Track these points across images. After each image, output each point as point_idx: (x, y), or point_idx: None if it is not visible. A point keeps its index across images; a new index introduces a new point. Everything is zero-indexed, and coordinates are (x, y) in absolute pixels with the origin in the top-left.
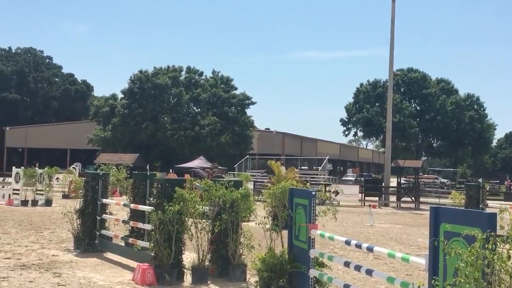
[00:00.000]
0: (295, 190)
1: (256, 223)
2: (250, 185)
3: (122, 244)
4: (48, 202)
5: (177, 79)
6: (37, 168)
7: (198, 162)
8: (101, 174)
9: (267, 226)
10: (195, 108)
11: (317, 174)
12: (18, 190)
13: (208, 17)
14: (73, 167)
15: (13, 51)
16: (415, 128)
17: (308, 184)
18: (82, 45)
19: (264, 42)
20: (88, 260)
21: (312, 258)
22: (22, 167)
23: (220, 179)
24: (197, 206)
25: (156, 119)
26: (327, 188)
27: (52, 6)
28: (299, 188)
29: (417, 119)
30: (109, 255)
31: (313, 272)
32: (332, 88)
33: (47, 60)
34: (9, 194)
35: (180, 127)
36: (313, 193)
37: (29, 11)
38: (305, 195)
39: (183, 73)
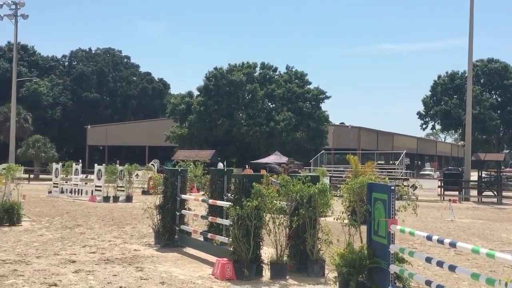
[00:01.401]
0: (374, 185)
1: (334, 218)
2: (326, 180)
3: (201, 239)
4: (129, 198)
5: (252, 75)
6: (117, 165)
7: (274, 158)
8: (179, 170)
9: (345, 221)
10: (269, 104)
11: (394, 169)
12: (100, 186)
13: (281, 11)
14: (151, 164)
15: (93, 51)
16: (496, 120)
17: (387, 178)
18: (158, 44)
19: (338, 36)
20: (169, 255)
21: (392, 254)
22: (103, 164)
23: (297, 174)
24: (274, 201)
25: (231, 116)
26: (405, 183)
27: (130, 7)
28: (377, 182)
29: (498, 111)
30: (189, 250)
31: (394, 268)
32: (409, 80)
33: (125, 60)
34: (92, 191)
35: (255, 123)
36: (392, 187)
37: (108, 12)
38: (384, 190)
39: (257, 69)
